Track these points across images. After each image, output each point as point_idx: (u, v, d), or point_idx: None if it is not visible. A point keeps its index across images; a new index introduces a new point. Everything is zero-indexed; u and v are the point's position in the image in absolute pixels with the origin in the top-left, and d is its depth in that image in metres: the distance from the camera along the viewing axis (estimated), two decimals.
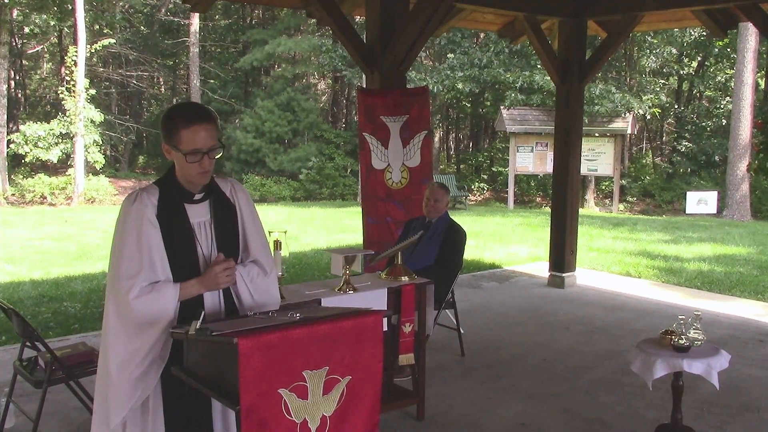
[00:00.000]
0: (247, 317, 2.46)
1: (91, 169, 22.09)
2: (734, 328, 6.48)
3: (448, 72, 21.33)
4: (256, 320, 2.33)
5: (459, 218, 6.53)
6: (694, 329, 3.82)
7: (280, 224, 13.77)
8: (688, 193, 19.85)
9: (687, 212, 19.29)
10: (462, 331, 5.70)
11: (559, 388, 4.90)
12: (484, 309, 7.06)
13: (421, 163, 6.24)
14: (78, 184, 20.31)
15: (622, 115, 19.73)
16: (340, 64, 23.34)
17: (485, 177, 25.60)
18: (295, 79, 27.59)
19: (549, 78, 15.97)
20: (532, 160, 19.98)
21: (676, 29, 20.27)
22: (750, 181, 18.82)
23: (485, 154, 27.24)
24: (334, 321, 2.28)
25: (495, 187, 24.95)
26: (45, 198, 20.46)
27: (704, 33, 21.22)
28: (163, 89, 32.05)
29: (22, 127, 21.79)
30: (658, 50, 21.67)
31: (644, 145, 28.69)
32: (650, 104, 21.67)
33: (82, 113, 20.30)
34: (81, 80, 20.42)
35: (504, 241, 11.95)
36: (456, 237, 5.23)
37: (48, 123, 20.80)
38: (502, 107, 20.61)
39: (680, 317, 3.85)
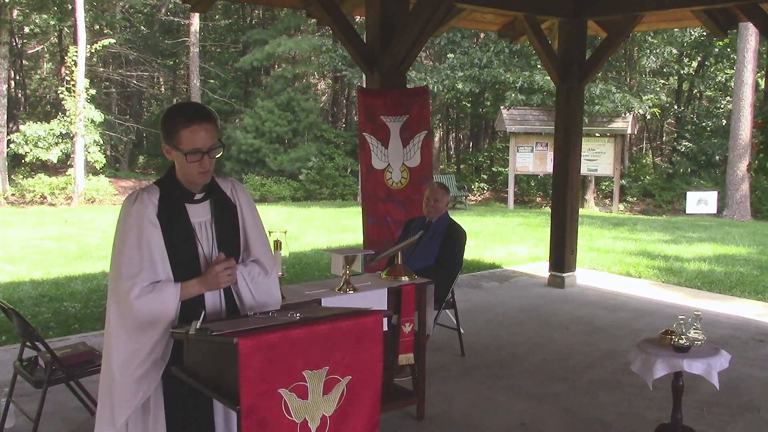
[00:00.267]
0: (247, 317, 2.46)
1: (91, 169, 22.09)
2: (734, 328, 6.48)
3: (448, 72, 21.34)
4: (257, 320, 2.33)
5: (459, 218, 6.53)
6: (694, 329, 3.82)
7: (280, 224, 13.77)
8: (688, 193, 19.85)
9: (687, 212, 19.29)
10: (462, 331, 5.70)
11: (559, 388, 4.90)
12: (484, 309, 7.06)
13: (421, 163, 6.24)
14: (78, 184, 20.31)
15: (622, 115, 19.73)
16: (340, 64, 23.35)
17: (485, 177, 25.61)
18: (295, 79, 27.60)
19: (549, 78, 15.96)
20: (532, 160, 19.98)
21: (676, 29, 20.27)
22: (750, 181, 18.82)
23: (485, 154, 27.24)
24: (334, 321, 2.28)
25: (495, 187, 24.95)
26: (45, 198, 20.46)
27: (704, 33, 21.23)
28: (163, 89, 32.06)
29: (22, 127, 21.80)
30: (658, 50, 21.67)
31: (644, 145, 28.70)
32: (650, 104, 21.66)
33: (82, 113, 20.30)
34: (81, 80, 20.42)
35: (504, 241, 11.95)
36: (456, 237, 5.23)
37: (48, 123, 20.80)
38: (502, 107, 20.61)
39: (680, 317, 3.85)
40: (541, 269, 8.74)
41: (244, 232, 2.64)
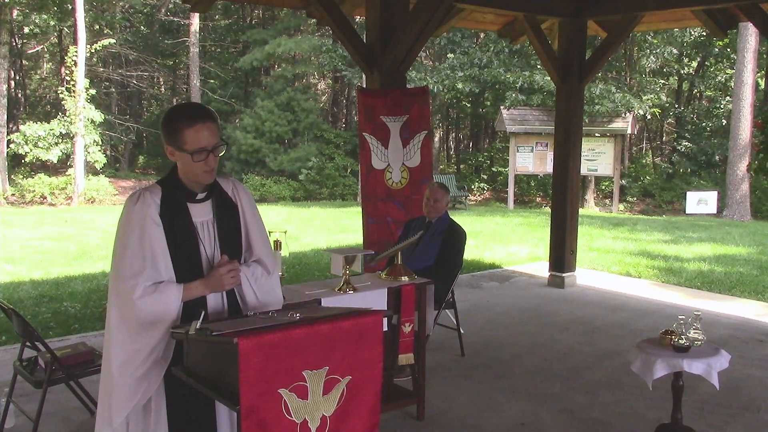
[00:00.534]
0: (247, 317, 2.46)
1: (91, 169, 22.09)
2: (734, 328, 6.48)
3: (448, 72, 21.33)
4: (257, 320, 2.33)
5: (459, 218, 6.53)
6: (694, 329, 3.81)
7: (280, 224, 13.77)
8: (688, 193, 19.84)
9: (687, 212, 19.29)
10: (462, 331, 5.70)
11: (559, 388, 4.90)
12: (484, 309, 7.06)
13: (421, 163, 6.24)
14: (78, 184, 20.31)
15: (622, 115, 19.73)
16: (340, 64, 23.35)
17: (485, 177, 25.60)
18: (295, 79, 27.60)
19: (549, 78, 15.97)
20: (532, 160, 19.98)
21: (676, 29, 20.26)
22: (750, 181, 18.82)
23: (485, 154, 27.24)
24: (334, 321, 2.28)
25: (495, 187, 24.95)
26: (45, 198, 20.46)
27: (704, 33, 21.22)
28: (163, 89, 32.05)
29: (22, 127, 21.80)
30: (658, 50, 21.66)
31: (644, 145, 28.70)
32: (650, 104, 21.66)
33: (82, 113, 20.31)
34: (81, 80, 20.42)
35: (504, 241, 11.95)
36: (456, 237, 5.23)
37: (48, 123, 20.80)
38: (502, 107, 20.61)
39: (680, 317, 3.85)
40: (541, 269, 8.74)
41: (246, 232, 2.64)
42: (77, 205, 19.92)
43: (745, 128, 18.49)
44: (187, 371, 2.37)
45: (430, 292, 4.50)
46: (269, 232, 2.89)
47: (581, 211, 13.85)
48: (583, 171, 17.22)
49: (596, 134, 19.68)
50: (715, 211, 19.00)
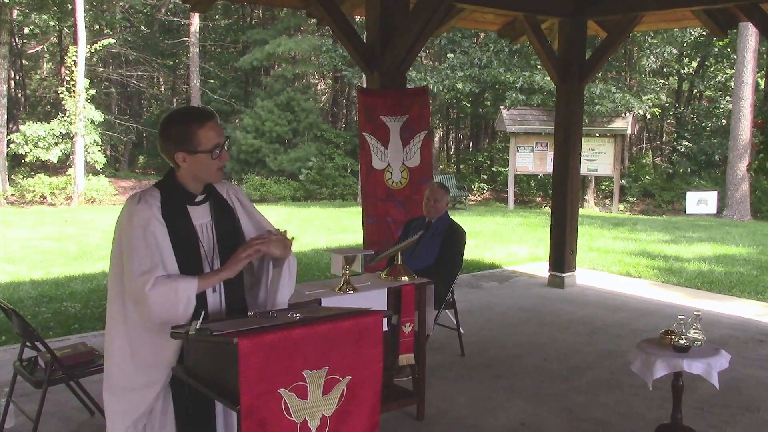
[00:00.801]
0: (247, 317, 2.46)
1: (91, 169, 22.10)
2: (734, 328, 6.48)
3: (448, 72, 21.33)
4: (257, 320, 2.33)
5: (459, 218, 6.53)
6: (694, 329, 3.82)
7: (280, 224, 13.73)
8: (688, 193, 19.85)
9: (687, 212, 19.29)
10: (462, 331, 5.70)
11: (559, 388, 4.90)
12: (484, 309, 7.06)
13: (421, 163, 6.24)
14: (78, 184, 20.31)
15: (622, 115, 19.73)
16: (340, 64, 23.35)
17: (485, 177, 25.61)
18: (295, 79, 27.60)
19: (549, 78, 15.97)
20: (532, 160, 19.98)
21: (676, 29, 20.26)
22: (750, 181, 18.82)
23: (485, 154, 27.24)
24: (334, 321, 2.28)
25: (495, 187, 24.95)
26: (45, 198, 20.47)
27: (704, 33, 21.22)
28: (163, 89, 32.06)
29: (22, 127, 21.81)
30: (658, 50, 21.67)
31: (644, 145, 28.70)
32: (650, 104, 21.67)
33: (82, 113, 20.31)
34: (81, 80, 20.43)
35: (504, 241, 11.95)
36: (456, 237, 5.23)
37: (48, 123, 20.81)
38: (502, 107, 20.61)
39: (680, 317, 3.85)
40: (541, 269, 8.74)
41: (248, 231, 2.64)
42: (77, 205, 19.93)
43: (745, 128, 18.50)
44: (187, 371, 2.37)
45: (430, 292, 4.50)
46: (269, 233, 2.89)
47: (581, 211, 13.85)
48: (583, 171, 17.22)
49: (596, 134, 19.68)
50: (715, 211, 19.00)
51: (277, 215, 16.16)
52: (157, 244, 2.40)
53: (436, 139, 27.94)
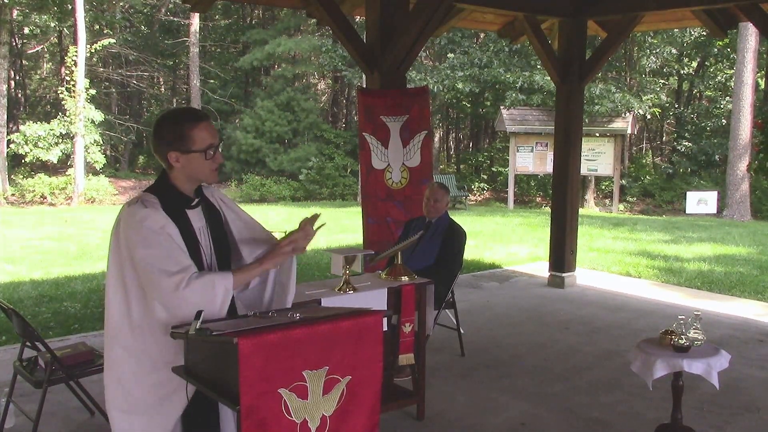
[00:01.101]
0: (247, 317, 2.46)
1: (91, 169, 22.09)
2: (734, 328, 6.48)
3: (448, 72, 21.33)
4: (257, 320, 2.33)
5: (459, 218, 6.53)
6: (694, 329, 3.82)
7: (280, 224, 13.78)
8: (688, 193, 19.84)
9: (687, 212, 19.29)
10: (462, 331, 5.70)
11: (559, 388, 4.90)
12: (484, 309, 7.06)
13: (421, 163, 6.24)
14: (78, 184, 20.31)
15: (622, 115, 19.73)
16: (340, 64, 23.34)
17: (485, 177, 25.60)
18: (295, 79, 27.60)
19: (549, 78, 15.96)
20: (532, 160, 19.98)
21: (676, 29, 20.26)
22: (750, 181, 18.82)
23: (485, 154, 27.23)
24: (334, 321, 2.28)
25: (495, 187, 24.95)
26: (45, 198, 20.46)
27: (704, 33, 21.22)
28: (163, 89, 32.05)
29: (22, 127, 21.80)
30: (658, 50, 21.67)
31: (644, 145, 28.70)
32: (650, 104, 21.66)
33: (82, 113, 20.31)
34: (81, 80, 20.42)
35: (504, 241, 11.95)
36: (456, 237, 5.23)
37: (48, 123, 20.81)
38: (502, 107, 20.61)
39: (680, 317, 3.85)
40: (541, 269, 8.74)
41: (237, 231, 2.64)
42: (77, 205, 19.93)
43: (745, 128, 18.49)
44: (187, 371, 2.37)
45: (430, 292, 4.50)
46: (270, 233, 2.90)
47: (581, 211, 13.86)
48: (583, 171, 17.22)
49: (596, 134, 19.68)
50: (715, 211, 19.00)
51: (277, 215, 16.16)
52: (176, 243, 2.38)
53: (436, 139, 27.94)
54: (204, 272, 2.39)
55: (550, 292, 7.81)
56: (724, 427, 4.28)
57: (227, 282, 2.37)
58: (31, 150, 20.45)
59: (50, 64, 30.47)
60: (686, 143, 23.58)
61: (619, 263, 9.66)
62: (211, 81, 28.13)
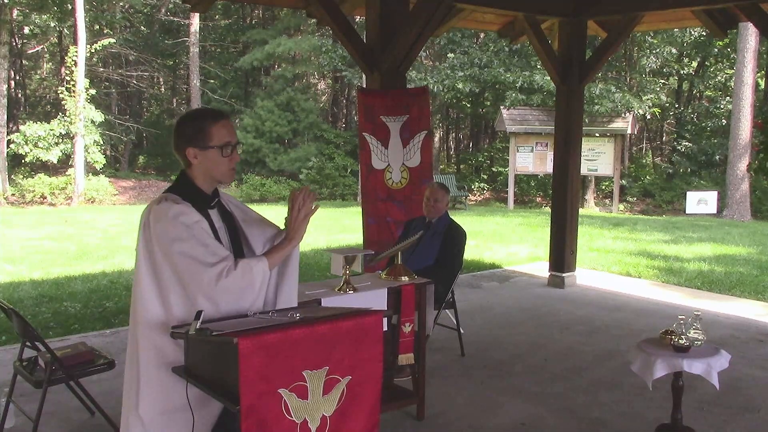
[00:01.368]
0: (247, 317, 2.46)
1: (91, 169, 22.09)
2: (734, 328, 6.48)
3: (449, 72, 21.33)
4: (257, 320, 2.33)
5: (459, 218, 6.53)
6: (694, 329, 3.82)
7: (280, 224, 13.74)
8: (688, 193, 19.84)
9: (687, 212, 19.29)
10: (462, 331, 5.70)
11: (559, 388, 4.90)
12: (484, 309, 7.06)
13: (421, 163, 6.24)
14: (78, 184, 20.31)
15: (622, 115, 19.73)
16: (340, 64, 23.34)
17: (485, 177, 25.60)
18: (295, 79, 27.60)
19: (549, 78, 15.96)
20: (532, 160, 19.98)
21: (676, 29, 20.26)
22: (750, 181, 18.82)
23: (485, 154, 27.23)
24: (334, 321, 2.28)
25: (495, 187, 24.95)
26: (45, 198, 20.46)
27: (704, 33, 21.22)
28: (163, 89, 32.05)
29: (22, 127, 21.79)
30: (658, 50, 21.66)
31: (644, 145, 28.70)
32: (650, 104, 21.66)
33: (82, 113, 20.30)
34: (81, 80, 20.42)
35: (504, 241, 11.95)
36: (456, 237, 5.24)
37: (48, 123, 20.80)
38: (502, 107, 20.61)
39: (680, 317, 3.85)
40: (541, 269, 8.74)
41: (252, 232, 2.66)
42: (77, 205, 19.92)
43: (745, 128, 18.50)
44: (187, 371, 2.37)
45: (430, 292, 4.50)
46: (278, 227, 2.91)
47: (581, 211, 13.85)
48: (583, 171, 17.21)
49: (596, 134, 19.68)
50: (715, 211, 19.00)
51: (277, 215, 16.05)
52: (210, 237, 2.42)
53: (436, 139, 27.94)
54: (238, 259, 2.43)
55: (550, 292, 7.81)
56: (724, 427, 4.28)
57: (263, 264, 2.44)
58: (31, 150, 20.44)
59: (50, 64, 30.47)
60: (686, 143, 23.58)
61: (619, 263, 9.66)
62: (211, 81, 28.13)
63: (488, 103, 25.06)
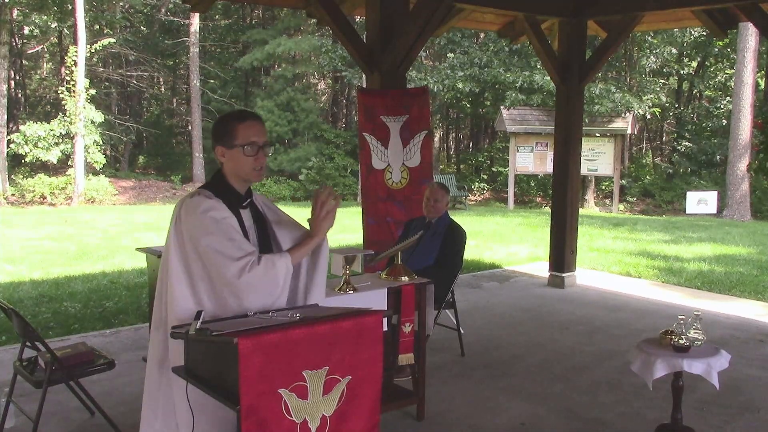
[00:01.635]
0: (247, 317, 2.46)
1: (91, 169, 22.09)
2: (734, 328, 6.48)
3: (448, 72, 21.33)
4: (257, 320, 2.33)
5: (459, 218, 6.53)
6: (694, 329, 3.82)
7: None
8: (688, 193, 19.85)
9: (687, 212, 19.29)
10: (462, 331, 5.70)
11: (559, 388, 4.90)
12: (484, 309, 7.06)
13: (421, 163, 6.24)
14: (78, 184, 20.31)
15: (622, 115, 19.73)
16: (340, 64, 23.35)
17: (485, 177, 25.60)
18: (295, 79, 27.60)
19: (549, 78, 15.96)
20: (532, 160, 19.98)
21: (676, 29, 20.26)
22: (750, 181, 18.82)
23: (485, 154, 27.24)
24: (334, 321, 2.28)
25: (495, 187, 24.95)
26: (45, 198, 20.46)
27: (704, 33, 21.22)
28: (163, 89, 32.04)
29: (22, 127, 21.79)
30: (658, 50, 21.67)
31: (644, 145, 28.70)
32: (650, 104, 21.66)
33: (82, 113, 20.30)
34: (81, 80, 20.41)
35: (504, 241, 11.95)
36: (456, 237, 5.24)
37: (48, 123, 20.79)
38: (502, 107, 20.61)
39: (680, 317, 3.85)
40: (541, 269, 8.74)
41: (283, 235, 2.68)
42: (77, 205, 19.92)
43: (745, 128, 18.50)
44: (187, 371, 2.37)
45: (430, 292, 4.50)
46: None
47: (581, 211, 13.85)
48: (583, 171, 17.22)
49: (596, 134, 19.68)
50: (715, 211, 19.00)
51: None
52: (237, 233, 2.46)
53: (436, 139, 27.94)
54: (262, 255, 2.47)
55: (550, 292, 7.81)
56: (724, 427, 4.28)
57: (286, 260, 2.48)
58: (31, 150, 20.43)
59: (50, 64, 30.47)
60: (686, 143, 23.58)
61: (619, 263, 9.66)
62: (211, 81, 28.13)
63: (488, 103, 25.05)
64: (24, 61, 28.57)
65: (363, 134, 6.20)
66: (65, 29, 24.22)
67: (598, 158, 19.71)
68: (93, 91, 21.56)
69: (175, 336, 2.37)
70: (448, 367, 5.30)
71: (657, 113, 23.83)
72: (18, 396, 4.31)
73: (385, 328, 3.76)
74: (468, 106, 26.14)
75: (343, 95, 31.78)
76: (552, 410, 4.51)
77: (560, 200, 8.03)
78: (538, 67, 19.98)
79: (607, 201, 22.66)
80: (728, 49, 22.43)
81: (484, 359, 5.48)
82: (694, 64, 24.86)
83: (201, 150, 24.76)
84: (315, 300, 2.71)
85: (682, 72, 24.54)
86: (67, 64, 21.28)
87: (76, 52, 20.39)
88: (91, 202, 20.42)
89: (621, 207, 21.41)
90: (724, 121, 22.82)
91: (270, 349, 2.11)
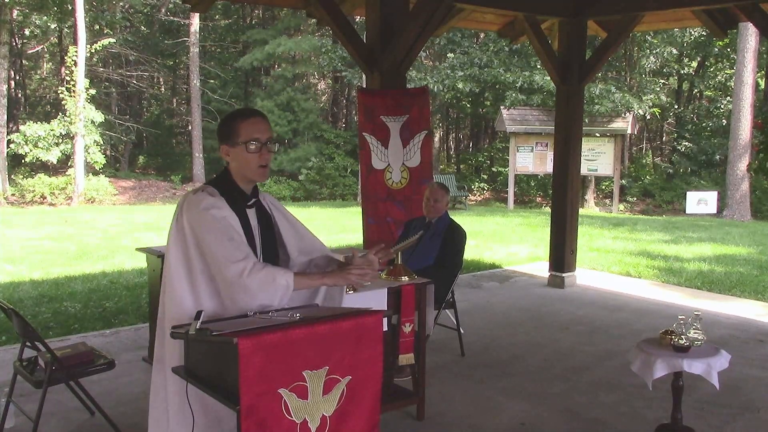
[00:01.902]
0: (247, 317, 2.46)
1: (91, 169, 22.09)
2: (734, 328, 6.48)
3: (449, 72, 21.33)
4: (257, 320, 2.33)
5: (459, 218, 6.53)
6: (694, 329, 3.81)
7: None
8: (688, 193, 19.85)
9: (687, 212, 19.30)
10: (462, 331, 5.70)
11: (559, 388, 4.90)
12: (484, 309, 7.06)
13: (421, 163, 6.24)
14: (78, 184, 20.31)
15: (622, 115, 19.74)
16: (340, 64, 23.35)
17: (485, 177, 25.61)
18: (295, 79, 27.60)
19: (549, 78, 15.96)
20: (532, 160, 19.99)
21: (676, 29, 20.27)
22: (750, 180, 18.83)
23: (485, 154, 27.24)
24: (334, 321, 2.28)
25: (495, 187, 24.95)
26: (45, 198, 20.46)
27: (704, 33, 21.23)
28: (163, 89, 32.05)
29: (22, 127, 21.79)
30: (658, 50, 21.67)
31: (644, 145, 28.70)
32: (650, 104, 21.66)
33: (82, 113, 20.30)
34: (81, 80, 20.41)
35: (504, 241, 11.95)
36: (456, 237, 5.24)
37: (48, 123, 20.80)
38: (502, 107, 20.61)
39: (680, 317, 3.85)
40: (541, 269, 8.74)
41: (290, 239, 2.69)
42: (77, 205, 19.92)
43: (745, 128, 18.50)
44: (187, 371, 2.37)
45: (430, 292, 4.49)
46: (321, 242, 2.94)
47: (581, 211, 13.86)
48: (583, 171, 17.22)
49: (596, 134, 19.69)
50: (715, 211, 19.00)
51: None
52: (239, 234, 2.45)
53: (436, 139, 27.94)
54: (267, 265, 2.44)
55: (550, 292, 7.81)
56: (724, 427, 4.27)
57: (288, 278, 2.43)
58: (31, 150, 20.44)
59: (50, 64, 30.47)
60: (686, 143, 23.59)
61: (619, 263, 9.66)
62: (211, 81, 28.13)
63: (488, 103, 25.06)
64: (24, 61, 28.58)
65: (363, 134, 6.20)
66: (65, 29, 24.22)
67: (598, 158, 19.72)
68: (93, 91, 21.56)
69: (175, 336, 2.38)
70: (448, 367, 5.29)
71: (657, 113, 23.83)
72: (18, 396, 4.31)
73: (385, 328, 3.76)
74: (468, 106, 26.14)
75: (343, 95, 31.79)
76: (552, 410, 4.51)
77: (560, 200, 8.03)
78: (538, 67, 19.99)
79: (607, 201, 22.66)
80: (728, 49, 22.44)
81: (484, 359, 5.48)
82: (694, 64, 24.86)
83: (201, 150, 24.76)
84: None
85: (682, 72, 24.55)
86: (67, 64, 21.28)
87: (76, 52, 20.40)
88: (91, 202, 20.42)
89: (621, 207, 21.42)
90: (724, 121, 22.82)
91: (270, 349, 2.11)
